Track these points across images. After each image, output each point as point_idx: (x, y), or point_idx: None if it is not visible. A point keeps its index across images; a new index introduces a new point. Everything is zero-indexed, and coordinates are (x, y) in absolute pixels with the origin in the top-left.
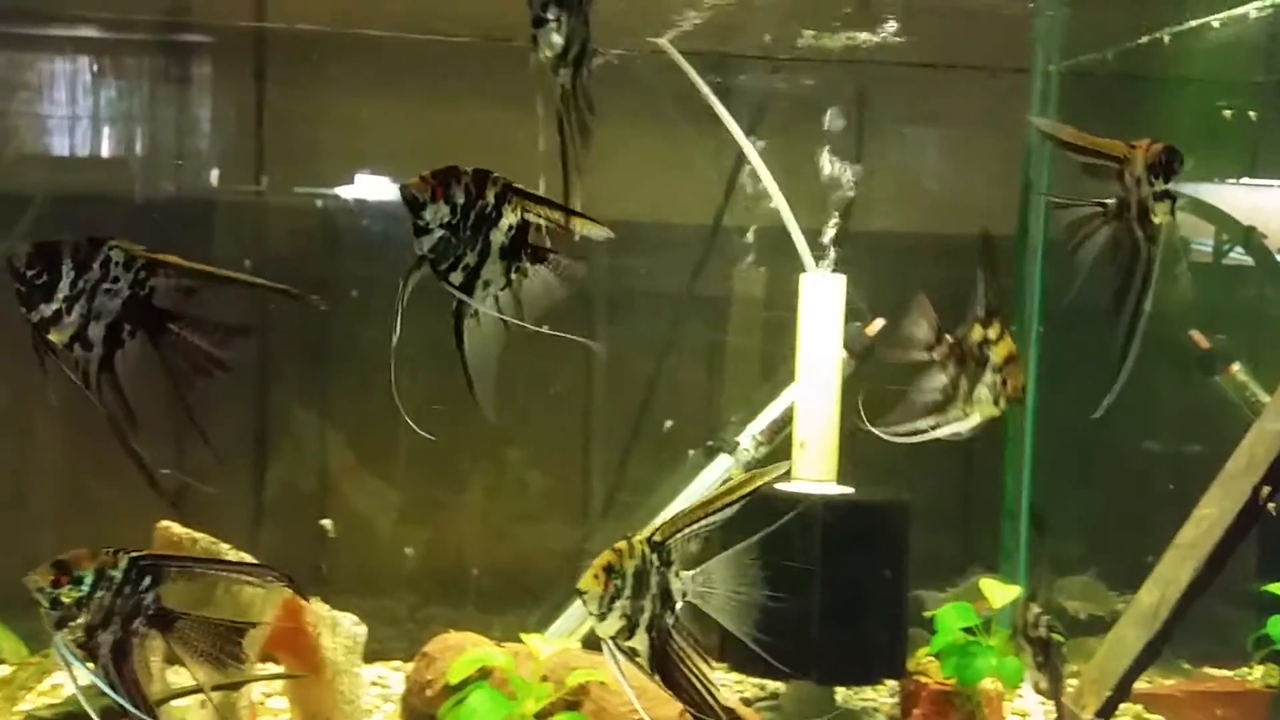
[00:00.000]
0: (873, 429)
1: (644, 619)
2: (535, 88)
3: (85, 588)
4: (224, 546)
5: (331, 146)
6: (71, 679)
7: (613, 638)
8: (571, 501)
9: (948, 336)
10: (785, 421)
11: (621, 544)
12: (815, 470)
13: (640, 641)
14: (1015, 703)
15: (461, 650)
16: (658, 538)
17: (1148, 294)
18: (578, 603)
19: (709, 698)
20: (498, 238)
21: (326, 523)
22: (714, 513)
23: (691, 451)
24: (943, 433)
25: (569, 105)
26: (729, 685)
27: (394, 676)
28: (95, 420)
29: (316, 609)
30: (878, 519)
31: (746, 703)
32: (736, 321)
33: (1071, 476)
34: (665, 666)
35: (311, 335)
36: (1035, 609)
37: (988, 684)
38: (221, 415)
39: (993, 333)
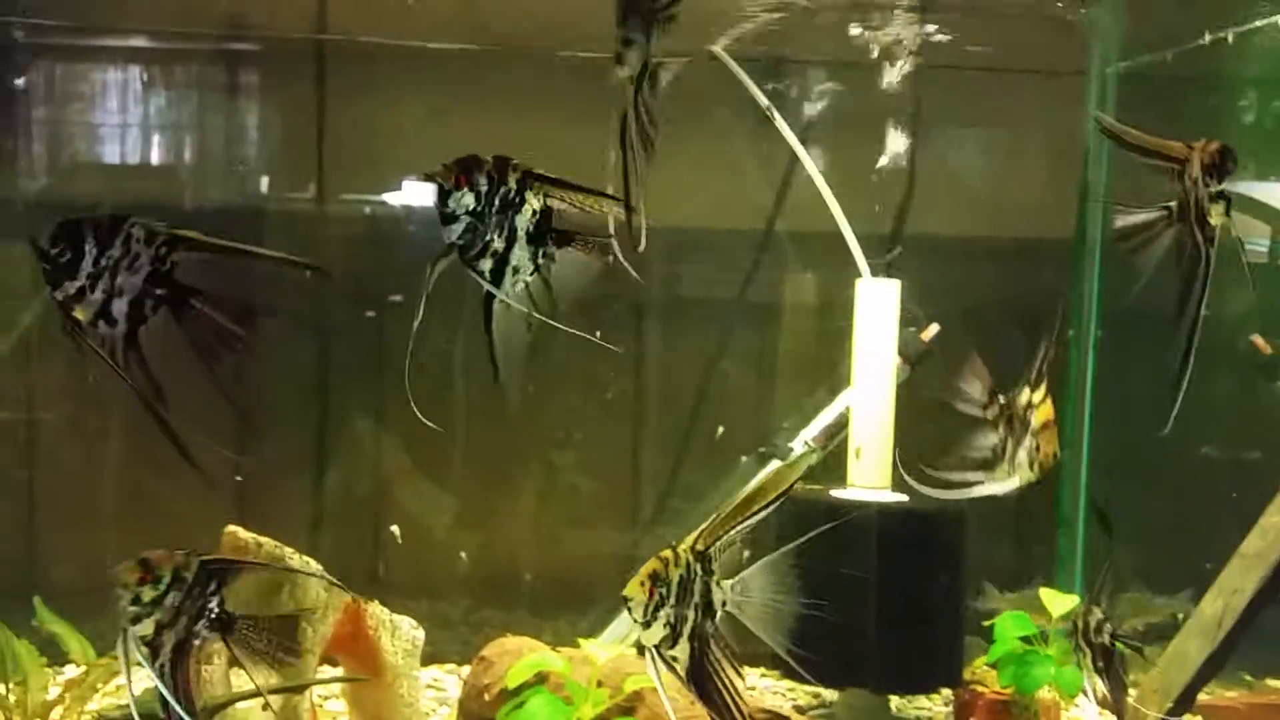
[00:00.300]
0: (920, 486)
1: (686, 628)
2: (617, 103)
3: (162, 587)
4: (288, 551)
5: (393, 157)
6: (127, 676)
7: (656, 646)
8: (622, 508)
9: (999, 398)
10: (839, 428)
11: (667, 552)
12: (871, 477)
13: (682, 650)
14: (1072, 711)
15: (519, 655)
16: (700, 545)
17: (1203, 298)
18: (614, 624)
19: (737, 712)
20: (523, 223)
21: (395, 529)
22: (750, 516)
23: (744, 458)
24: (983, 491)
25: (634, 118)
26: (780, 693)
27: (448, 680)
28: (153, 424)
29: (377, 612)
30: (933, 526)
31: (800, 710)
32: (788, 327)
33: (1129, 484)
34: (700, 676)
35: (371, 344)
36: (1098, 613)
37: (1045, 693)
38: (283, 422)
39: (1037, 397)
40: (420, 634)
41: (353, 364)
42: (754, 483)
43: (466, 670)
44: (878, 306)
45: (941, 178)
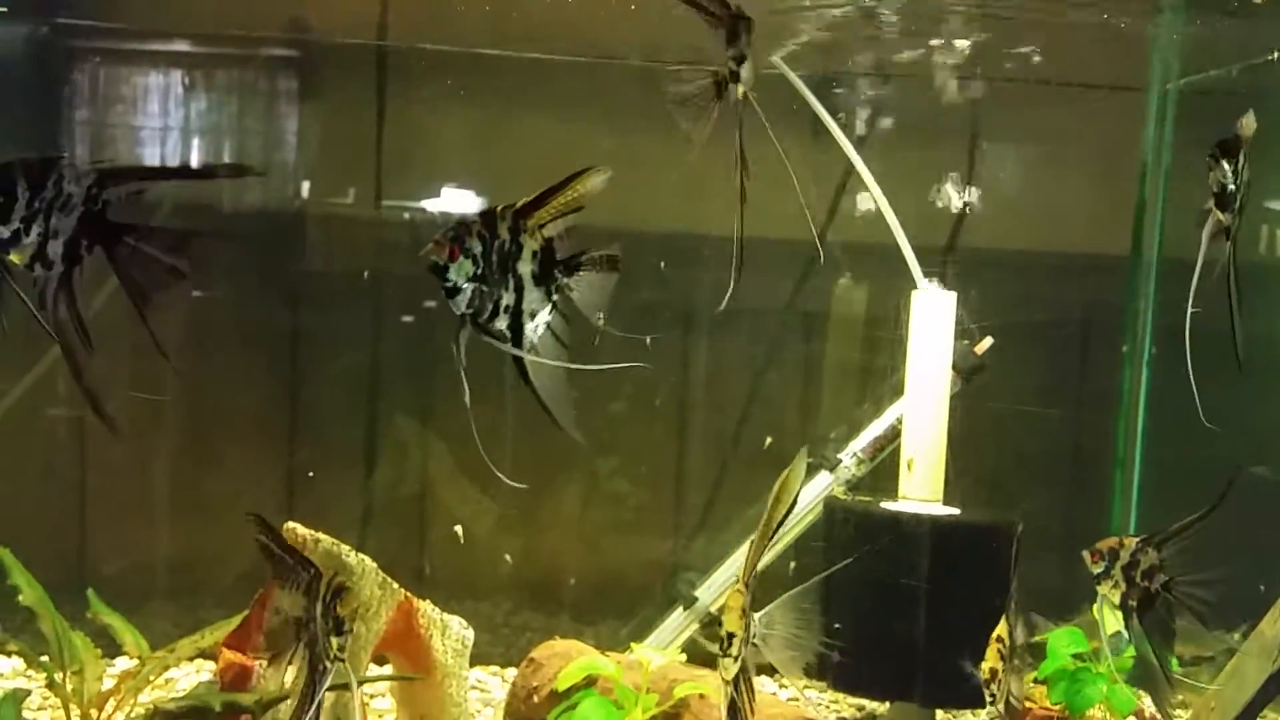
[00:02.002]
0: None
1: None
2: (737, 121)
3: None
4: (344, 547)
5: (449, 164)
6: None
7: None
8: (665, 515)
9: None
10: (888, 440)
11: (740, 587)
12: (922, 490)
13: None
14: None
15: (567, 657)
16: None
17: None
18: (673, 616)
19: None
20: (525, 268)
21: (458, 529)
22: (775, 532)
23: None
24: None
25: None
26: (825, 704)
27: (492, 681)
28: (200, 420)
29: (428, 611)
30: (985, 541)
31: None
32: (837, 339)
33: (1181, 502)
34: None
35: (418, 347)
36: (1154, 556)
37: (1094, 712)
38: (333, 423)
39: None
40: (470, 634)
41: (402, 367)
42: (804, 495)
43: (510, 672)
44: (933, 317)
45: (998, 191)
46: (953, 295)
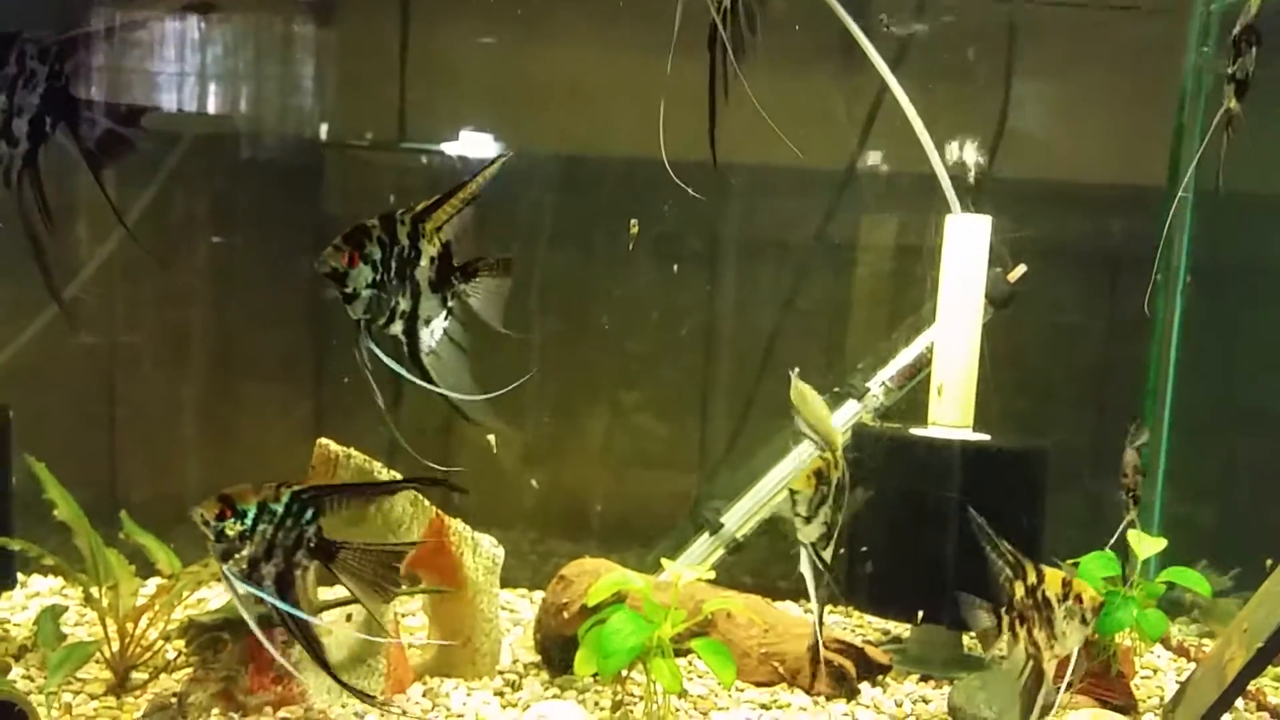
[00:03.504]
0: None
1: (836, 532)
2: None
3: (248, 521)
4: (376, 465)
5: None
6: (239, 603)
7: (813, 543)
8: (690, 446)
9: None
10: (917, 369)
11: (827, 454)
12: (953, 415)
13: (828, 554)
14: (1145, 657)
15: (596, 574)
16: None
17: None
18: (699, 541)
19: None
20: (423, 275)
21: (491, 438)
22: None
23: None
24: None
25: (721, 38)
26: (849, 629)
27: (520, 602)
28: (239, 353)
29: (459, 529)
30: (1016, 466)
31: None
32: (865, 268)
33: (1210, 436)
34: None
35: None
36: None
37: (1120, 637)
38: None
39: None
40: (500, 552)
41: None
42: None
43: (537, 594)
44: (967, 243)
45: (1032, 117)
46: (987, 219)
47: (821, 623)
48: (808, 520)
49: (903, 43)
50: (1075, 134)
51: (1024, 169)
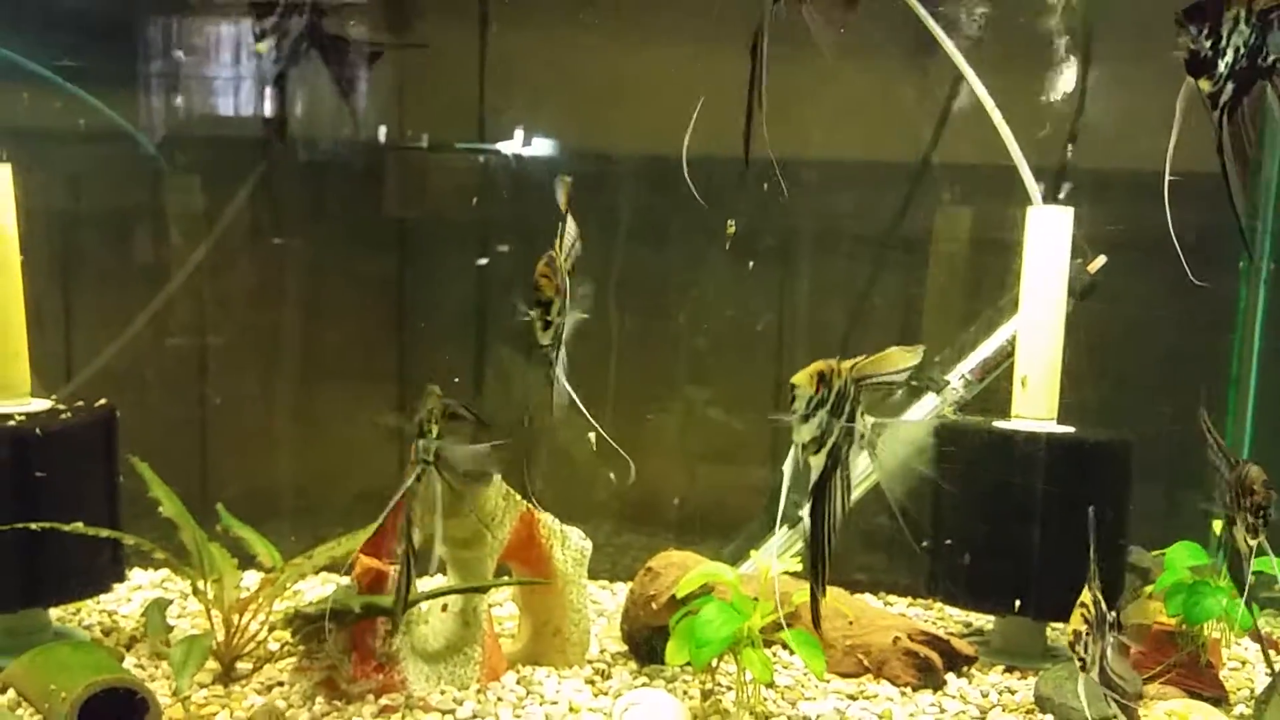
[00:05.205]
0: None
1: (830, 441)
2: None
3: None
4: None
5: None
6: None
7: (804, 445)
8: (764, 441)
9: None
10: (997, 362)
11: (832, 362)
12: (1036, 408)
13: (818, 461)
14: (1233, 649)
15: (683, 567)
16: (857, 374)
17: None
18: (774, 537)
19: (828, 544)
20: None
21: (591, 436)
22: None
23: (898, 392)
24: None
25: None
26: (930, 621)
27: (602, 594)
28: (321, 349)
29: (549, 522)
30: (1100, 459)
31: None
32: (942, 261)
33: None
34: (820, 494)
35: (521, 285)
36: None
37: (1208, 628)
38: (442, 353)
39: None
40: (588, 545)
41: (507, 300)
42: (909, 416)
43: (618, 586)
44: (1049, 234)
45: (1111, 106)
46: (1069, 210)
47: (826, 543)
48: (805, 419)
49: (979, 31)
50: (1154, 123)
51: (1103, 158)
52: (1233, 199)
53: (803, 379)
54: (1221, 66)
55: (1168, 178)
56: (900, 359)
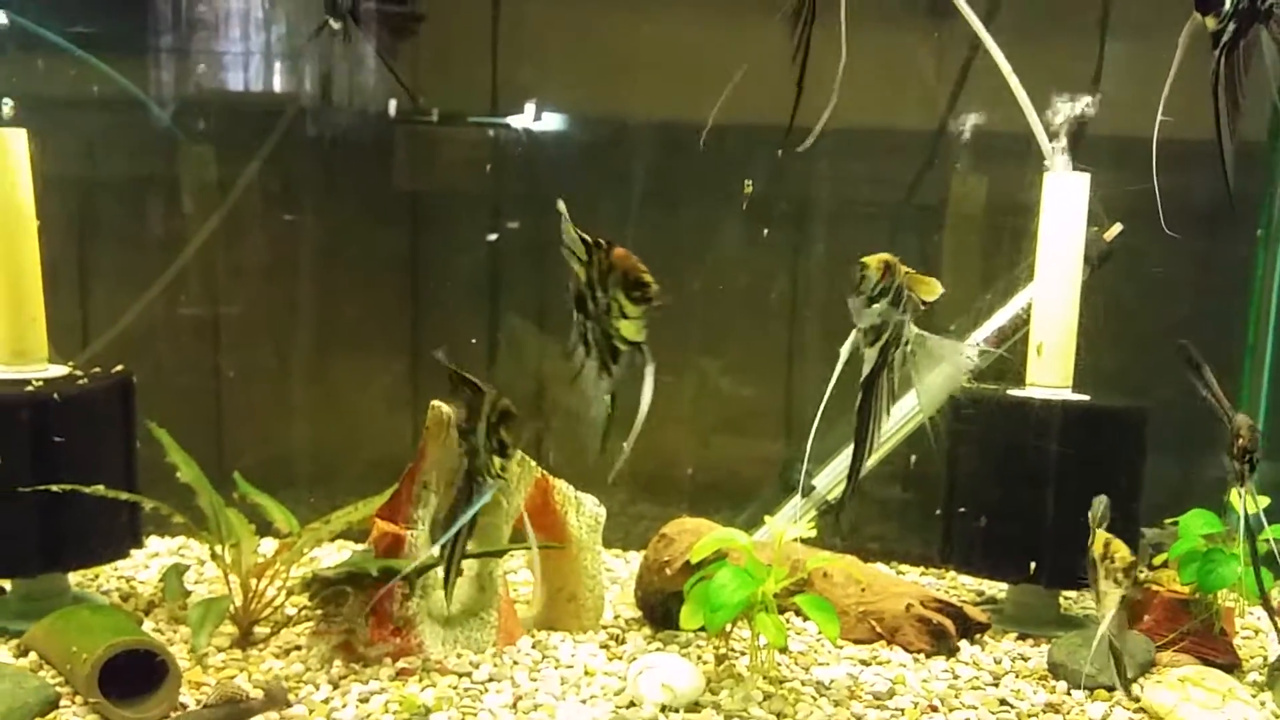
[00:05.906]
0: None
1: (886, 334)
2: None
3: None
4: None
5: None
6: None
7: (863, 330)
8: (777, 411)
9: None
10: (1012, 330)
11: (890, 259)
12: (1052, 375)
13: (871, 354)
14: (1245, 618)
15: (697, 533)
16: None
17: None
18: (791, 502)
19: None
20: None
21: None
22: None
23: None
24: None
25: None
26: (942, 589)
27: (615, 561)
28: (336, 319)
29: (563, 488)
30: (1116, 426)
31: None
32: (956, 229)
33: None
34: (868, 392)
35: (534, 256)
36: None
37: (1222, 596)
38: (455, 324)
39: None
40: (602, 511)
41: (520, 271)
42: (925, 384)
43: (631, 554)
44: (1066, 200)
45: (1128, 73)
46: (1086, 176)
47: (868, 444)
48: (870, 301)
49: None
50: (1174, 89)
51: (1120, 125)
52: (1220, 136)
53: (874, 262)
54: (1228, 4)
55: (1159, 119)
56: (935, 289)
